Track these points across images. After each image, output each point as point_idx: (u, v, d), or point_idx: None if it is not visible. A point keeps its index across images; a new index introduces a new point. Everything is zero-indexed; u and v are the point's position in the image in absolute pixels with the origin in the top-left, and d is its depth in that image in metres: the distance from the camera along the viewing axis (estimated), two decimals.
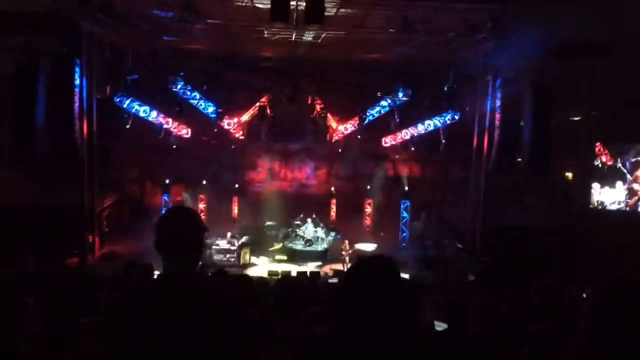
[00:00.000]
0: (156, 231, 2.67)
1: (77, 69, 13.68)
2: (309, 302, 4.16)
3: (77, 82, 13.78)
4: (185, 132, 18.49)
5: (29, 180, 14.74)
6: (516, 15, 12.78)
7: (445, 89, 17.55)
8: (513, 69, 14.52)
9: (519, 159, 15.71)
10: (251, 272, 15.29)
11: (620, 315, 2.09)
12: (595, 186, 17.13)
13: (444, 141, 19.01)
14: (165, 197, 18.34)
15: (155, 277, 2.57)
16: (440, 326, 4.86)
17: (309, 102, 19.65)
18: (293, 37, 16.18)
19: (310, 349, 2.30)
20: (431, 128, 18.55)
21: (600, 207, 17.03)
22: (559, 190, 17.30)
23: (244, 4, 12.84)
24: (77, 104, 13.84)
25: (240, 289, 5.18)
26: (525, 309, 5.11)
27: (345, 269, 15.73)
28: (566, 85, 15.58)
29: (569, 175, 17.89)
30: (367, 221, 20.20)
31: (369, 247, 18.34)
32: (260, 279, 13.72)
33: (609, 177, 17.02)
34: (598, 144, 17.08)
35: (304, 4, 11.79)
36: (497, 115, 15.14)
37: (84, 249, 14.70)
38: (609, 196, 17.01)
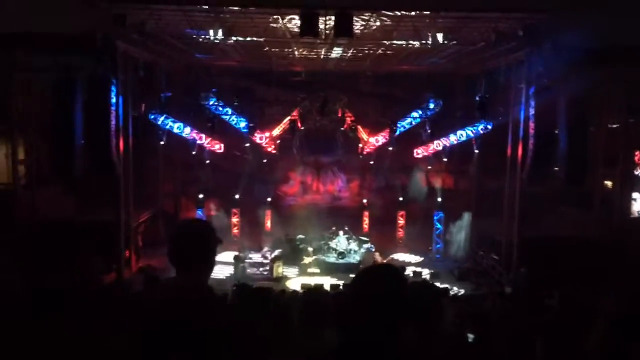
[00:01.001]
0: (169, 243, 2.70)
1: (113, 88, 14.06)
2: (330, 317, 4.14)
3: (114, 100, 14.16)
4: (218, 147, 18.74)
5: (68, 196, 15.17)
6: (549, 22, 12.61)
7: (477, 98, 17.35)
8: (547, 77, 14.26)
9: (555, 169, 15.38)
10: (284, 285, 15.31)
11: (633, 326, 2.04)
12: (636, 195, 16.63)
13: (477, 151, 18.79)
14: (200, 212, 18.58)
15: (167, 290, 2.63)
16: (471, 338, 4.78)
17: (340, 115, 19.70)
18: (322, 55, 16.31)
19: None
20: (463, 138, 18.34)
21: None
22: (597, 200, 16.84)
23: (273, 22, 13.02)
24: (113, 122, 14.21)
25: (254, 303, 5.17)
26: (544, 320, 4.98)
27: None
28: (602, 92, 15.25)
29: (609, 184, 17.40)
30: (400, 233, 20.04)
31: (402, 258, 18.18)
32: (291, 293, 13.77)
33: None
34: (638, 152, 16.62)
35: (333, 20, 11.92)
36: (532, 125, 14.85)
37: (121, 264, 14.97)
38: None
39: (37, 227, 14.40)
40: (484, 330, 4.97)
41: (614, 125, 16.90)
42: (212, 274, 2.76)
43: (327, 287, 14.53)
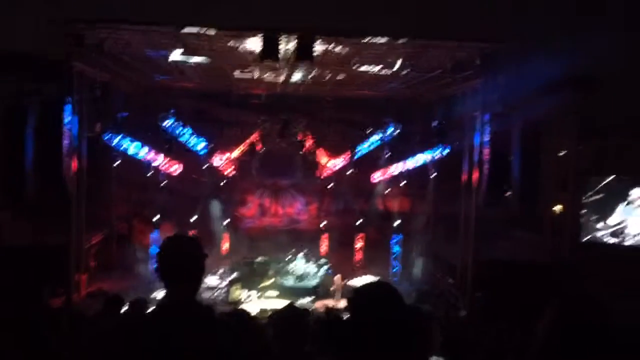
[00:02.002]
0: (157, 259, 2.69)
1: (67, 108, 13.67)
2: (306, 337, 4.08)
3: (67, 120, 13.76)
4: (176, 168, 18.42)
5: (18, 221, 14.58)
6: (504, 52, 13.06)
7: (435, 124, 17.72)
8: (502, 104, 14.72)
9: (508, 193, 15.79)
10: (241, 309, 15.04)
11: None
12: (584, 220, 17.24)
13: (434, 175, 19.13)
14: (156, 234, 18.14)
15: (154, 307, 2.58)
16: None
17: (300, 138, 19.76)
18: (281, 79, 16.38)
19: None
20: (420, 163, 18.64)
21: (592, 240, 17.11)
22: (548, 225, 17.35)
23: (234, 45, 13.02)
24: (67, 142, 13.79)
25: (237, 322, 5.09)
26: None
27: (336, 305, 15.56)
28: (555, 120, 15.86)
29: (558, 209, 17.97)
30: (359, 255, 20.09)
31: (361, 281, 18.16)
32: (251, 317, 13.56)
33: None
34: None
35: (294, 44, 12.00)
36: (486, 150, 15.24)
37: (70, 288, 14.42)
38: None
39: None
40: (453, 354, 5.00)
41: (564, 152, 17.54)
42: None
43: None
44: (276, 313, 4.05)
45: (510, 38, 12.47)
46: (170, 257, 2.66)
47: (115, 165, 17.72)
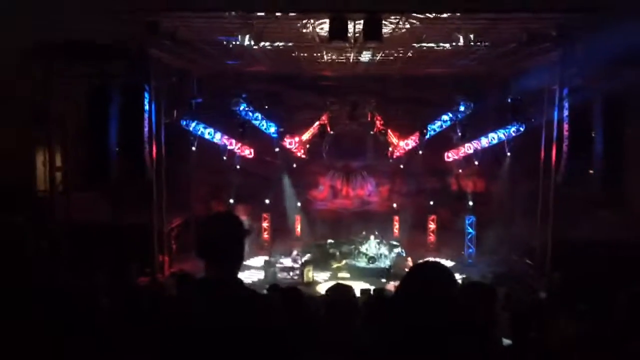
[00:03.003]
0: (197, 236, 2.72)
1: (146, 95, 14.32)
2: (358, 314, 4.11)
3: (147, 107, 14.43)
4: (249, 152, 18.89)
5: (103, 202, 15.48)
6: (582, 22, 12.35)
7: (509, 100, 17.09)
8: (581, 77, 13.97)
9: (591, 171, 15.02)
10: (315, 289, 15.32)
11: None
12: None
13: (509, 154, 18.51)
14: None
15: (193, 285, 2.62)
16: (506, 343, 4.69)
17: (369, 119, 19.66)
18: (351, 59, 16.30)
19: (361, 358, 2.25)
20: (495, 141, 18.08)
21: None
22: (634, 204, 16.36)
23: (302, 27, 13.08)
24: (146, 128, 14.48)
25: (288, 301, 5.18)
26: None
27: None
28: (638, 93, 14.85)
29: None
30: (431, 237, 19.85)
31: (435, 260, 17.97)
32: (322, 296, 13.76)
33: None
34: None
35: (362, 24, 11.91)
36: (566, 126, 14.55)
37: (154, 268, 15.20)
38: None
39: (74, 231, 14.74)
40: (522, 335, 4.88)
41: None
42: (243, 278, 2.75)
43: (357, 292, 14.49)
44: (327, 291, 4.08)
45: (588, 7, 11.73)
46: (207, 235, 2.65)
47: (192, 150, 18.39)
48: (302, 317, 4.82)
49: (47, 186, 15.83)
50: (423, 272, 2.15)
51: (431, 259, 18.17)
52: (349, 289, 3.93)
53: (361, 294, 13.26)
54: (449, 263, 18.25)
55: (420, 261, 2.36)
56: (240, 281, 2.67)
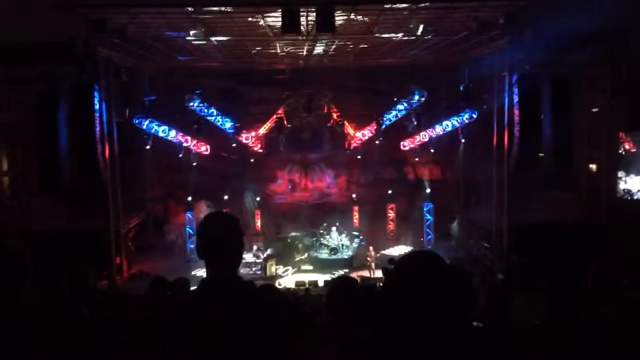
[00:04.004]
0: (197, 237, 2.73)
1: (96, 94, 13.92)
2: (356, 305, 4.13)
3: (97, 106, 14.02)
4: (205, 148, 18.64)
5: (56, 207, 15.02)
6: (529, 9, 12.69)
7: (461, 88, 17.42)
8: (529, 63, 14.36)
9: (541, 154, 15.49)
10: (278, 283, 15.30)
11: None
12: (621, 175, 16.86)
13: (463, 141, 18.90)
14: (189, 215, 18.49)
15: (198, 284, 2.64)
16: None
17: (325, 111, 19.70)
18: (304, 52, 16.27)
19: (357, 352, 2.26)
20: (449, 129, 18.42)
21: (628, 197, 16.73)
22: (584, 183, 17.00)
23: (254, 21, 12.98)
24: (98, 128, 14.08)
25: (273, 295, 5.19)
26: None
27: (372, 275, 15.67)
28: (586, 75, 15.39)
29: (593, 167, 17.58)
30: (391, 226, 20.11)
31: (394, 251, 18.24)
32: (287, 290, 13.77)
33: (633, 165, 16.77)
34: (621, 133, 16.83)
35: (314, 15, 11.90)
36: (516, 112, 14.94)
37: (112, 270, 14.87)
38: (636, 185, 16.73)
39: (27, 238, 14.21)
40: (499, 318, 5.02)
41: (597, 109, 17.07)
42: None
43: (321, 284, 14.58)
44: (330, 282, 4.09)
45: None
46: (209, 235, 2.68)
47: (146, 148, 18.01)
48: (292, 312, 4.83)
49: None
50: (416, 263, 2.15)
51: (391, 247, 18.47)
52: (351, 281, 3.93)
53: (325, 284, 13.38)
54: (408, 250, 18.57)
55: (411, 251, 2.37)
56: (241, 278, 2.71)
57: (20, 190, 15.39)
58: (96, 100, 13.97)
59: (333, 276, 15.07)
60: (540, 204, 16.74)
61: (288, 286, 14.74)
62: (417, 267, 2.10)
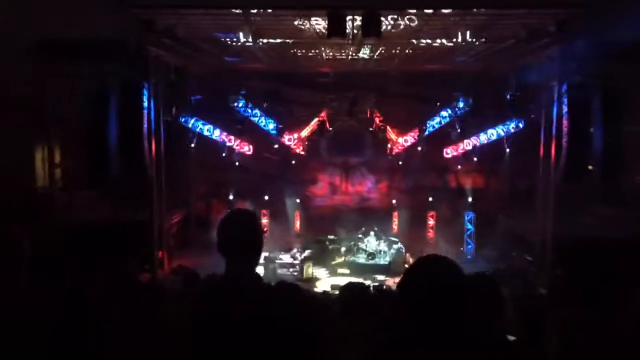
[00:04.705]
0: (217, 233, 2.76)
1: (145, 92, 14.32)
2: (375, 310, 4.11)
3: (145, 104, 14.43)
4: (248, 148, 18.89)
5: (103, 199, 15.50)
6: (582, 17, 12.34)
7: (508, 96, 17.09)
8: (581, 73, 13.96)
9: (590, 167, 15.04)
10: (314, 285, 15.35)
11: None
12: None
13: (508, 150, 18.52)
14: None
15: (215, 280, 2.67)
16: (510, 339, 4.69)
17: (368, 115, 19.65)
18: (349, 56, 16.29)
19: (375, 356, 2.24)
20: (494, 137, 18.09)
21: None
22: (634, 199, 16.37)
23: (300, 24, 13.08)
24: (145, 126, 14.48)
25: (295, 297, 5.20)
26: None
27: None
28: (638, 87, 14.85)
29: None
30: (430, 234, 19.88)
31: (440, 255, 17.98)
32: (322, 293, 13.79)
33: None
34: None
35: (360, 19, 11.90)
36: (565, 122, 14.55)
37: (154, 264, 15.23)
38: None
39: (73, 228, 14.75)
40: (533, 333, 4.90)
41: None
42: None
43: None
44: (340, 288, 4.10)
45: (587, 2, 11.72)
46: (228, 231, 2.71)
47: (191, 146, 18.40)
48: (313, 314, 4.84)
49: (47, 183, 15.86)
50: (428, 266, 2.14)
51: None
52: (363, 286, 3.94)
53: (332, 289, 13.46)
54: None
55: (424, 255, 2.35)
56: (259, 276, 2.74)
57: (70, 182, 15.94)
58: (145, 98, 14.38)
59: (367, 282, 15.02)
60: (587, 218, 16.23)
61: (324, 289, 14.76)
62: (425, 271, 2.09)
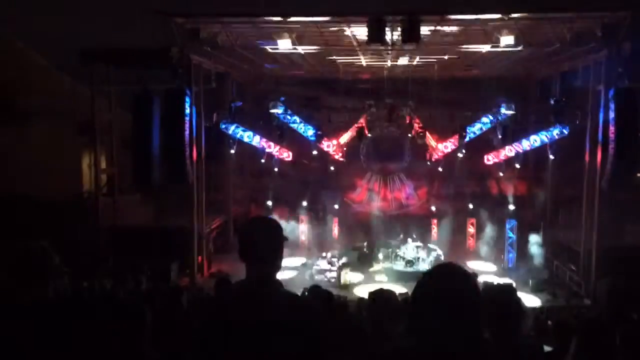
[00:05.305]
0: (238, 239, 2.82)
1: (187, 99, 14.60)
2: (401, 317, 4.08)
3: (187, 111, 14.71)
4: (287, 155, 19.02)
5: (146, 204, 15.88)
6: (629, 20, 11.98)
7: (552, 102, 16.68)
8: (628, 77, 13.53)
9: (639, 174, 14.54)
10: (351, 292, 15.27)
11: None
12: None
13: (552, 157, 18.06)
14: None
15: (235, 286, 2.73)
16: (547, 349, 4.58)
17: (407, 121, 19.51)
18: (389, 62, 16.24)
19: None
20: (537, 144, 17.66)
21: None
22: None
23: (340, 30, 13.14)
24: (187, 132, 14.76)
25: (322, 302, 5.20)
26: None
27: None
28: None
29: None
30: (470, 241, 19.55)
31: (474, 267, 17.71)
32: (359, 300, 13.70)
33: None
34: None
35: (400, 26, 11.87)
36: (612, 128, 14.12)
37: (194, 269, 15.48)
38: None
39: (117, 232, 15.17)
40: (567, 341, 4.76)
41: None
42: (280, 276, 2.82)
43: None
44: (369, 295, 4.08)
45: (634, 5, 11.38)
46: (247, 238, 2.75)
47: (231, 153, 18.66)
48: (340, 320, 4.82)
49: (92, 188, 16.36)
50: (437, 277, 2.13)
51: (469, 263, 17.93)
52: (392, 294, 3.91)
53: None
54: (489, 267, 17.96)
55: (436, 265, 2.34)
56: (279, 282, 2.76)
57: (114, 187, 16.39)
58: (187, 105, 14.66)
59: (406, 289, 14.86)
60: (635, 227, 15.69)
61: (360, 296, 14.67)
62: (434, 281, 2.08)
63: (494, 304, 2.91)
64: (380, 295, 3.81)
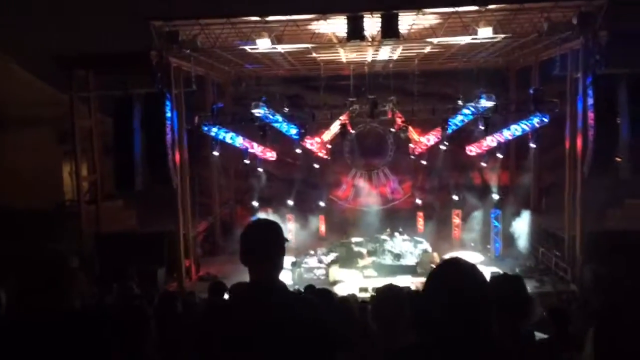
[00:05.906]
0: (240, 243, 2.76)
1: (168, 103, 14.49)
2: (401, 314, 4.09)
3: (169, 114, 14.59)
4: (271, 155, 18.96)
5: (130, 210, 15.74)
6: (604, 8, 12.14)
7: (531, 91, 16.85)
8: (605, 64, 13.71)
9: (618, 159, 14.75)
10: (341, 288, 15.30)
11: None
12: None
13: (533, 146, 18.24)
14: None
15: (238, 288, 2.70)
16: (539, 337, 4.62)
17: (390, 116, 19.55)
18: (369, 58, 16.27)
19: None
20: (519, 133, 17.81)
21: None
22: None
23: (320, 28, 13.13)
24: (169, 135, 14.64)
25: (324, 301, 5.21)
26: None
27: None
28: None
29: None
30: (456, 232, 19.70)
31: (461, 257, 17.83)
32: (351, 295, 13.73)
33: None
34: None
35: (379, 22, 11.90)
36: (591, 115, 14.31)
37: (182, 273, 15.38)
38: None
39: (101, 239, 15.01)
40: (564, 327, 4.82)
41: None
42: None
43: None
44: (376, 291, 4.09)
45: None
46: (249, 242, 2.71)
47: (214, 155, 18.54)
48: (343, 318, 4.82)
49: (74, 196, 16.17)
50: (446, 271, 2.14)
51: (456, 253, 18.05)
52: (399, 290, 3.91)
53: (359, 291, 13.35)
54: (477, 257, 18.11)
55: (444, 259, 2.35)
56: (283, 285, 2.74)
57: (96, 194, 16.22)
58: (168, 109, 14.54)
59: (395, 283, 14.90)
60: (617, 211, 15.93)
61: (351, 292, 14.71)
62: (443, 276, 2.10)
63: (503, 295, 2.91)
64: (386, 291, 3.81)
